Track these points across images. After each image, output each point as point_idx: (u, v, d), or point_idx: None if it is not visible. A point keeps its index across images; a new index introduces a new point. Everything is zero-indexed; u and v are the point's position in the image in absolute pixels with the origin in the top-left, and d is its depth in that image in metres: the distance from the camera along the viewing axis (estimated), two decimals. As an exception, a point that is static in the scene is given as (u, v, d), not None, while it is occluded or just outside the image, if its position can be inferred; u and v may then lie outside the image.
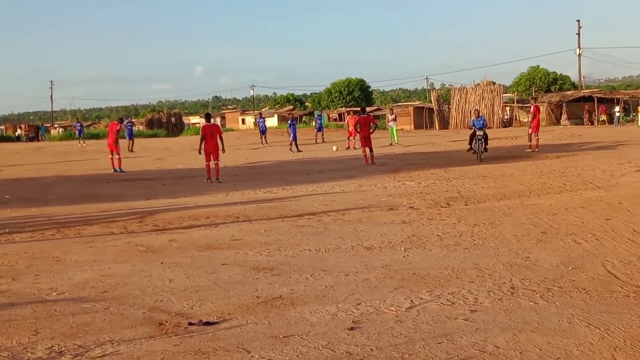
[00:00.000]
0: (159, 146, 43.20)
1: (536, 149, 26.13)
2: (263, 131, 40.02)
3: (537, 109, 27.79)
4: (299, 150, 32.81)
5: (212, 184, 18.95)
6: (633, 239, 8.78)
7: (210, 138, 19.64)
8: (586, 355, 4.78)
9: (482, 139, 23.52)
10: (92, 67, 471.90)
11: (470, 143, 24.18)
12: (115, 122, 27.01)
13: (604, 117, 56.26)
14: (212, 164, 19.59)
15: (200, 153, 19.87)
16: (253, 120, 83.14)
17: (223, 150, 20.01)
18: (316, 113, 53.24)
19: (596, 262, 7.62)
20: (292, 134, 34.00)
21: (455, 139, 38.44)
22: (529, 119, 29.40)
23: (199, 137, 20.44)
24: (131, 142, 38.53)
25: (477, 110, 28.85)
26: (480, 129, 23.60)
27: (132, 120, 48.72)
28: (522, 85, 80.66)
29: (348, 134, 35.43)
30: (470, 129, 24.68)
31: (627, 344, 4.98)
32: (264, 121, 41.71)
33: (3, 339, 5.59)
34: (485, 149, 23.70)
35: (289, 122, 37.60)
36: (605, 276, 6.99)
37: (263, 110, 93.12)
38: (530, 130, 27.13)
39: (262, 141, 39.42)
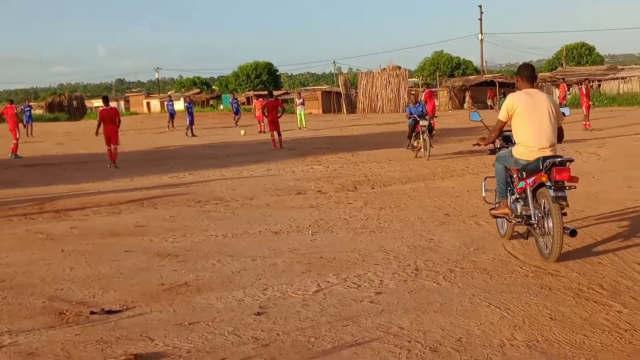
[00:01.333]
0: (60, 130, 41.90)
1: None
2: (172, 115, 39.16)
3: (430, 93, 28.24)
4: (193, 135, 32.35)
5: (112, 168, 18.63)
6: (531, 220, 9.05)
7: (110, 122, 19.24)
8: (487, 335, 4.91)
9: (427, 131, 17.73)
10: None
11: (410, 137, 18.80)
12: (10, 106, 25.85)
13: (490, 102, 58.30)
14: (112, 147, 19.23)
15: (97, 135, 19.62)
16: (158, 103, 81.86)
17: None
18: (229, 97, 52.62)
19: (497, 243, 7.84)
20: (188, 118, 33.48)
21: (364, 123, 38.84)
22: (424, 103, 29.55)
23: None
24: (30, 126, 37.21)
25: (413, 94, 23.42)
26: (422, 117, 18.13)
27: (31, 103, 46.93)
28: (427, 70, 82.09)
29: (257, 118, 35.23)
30: (409, 117, 18.79)
31: (526, 322, 5.13)
32: (173, 104, 40.84)
33: None
34: (431, 144, 17.94)
35: (185, 105, 36.96)
36: (506, 257, 7.20)
37: (169, 93, 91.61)
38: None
39: (169, 125, 38.70)
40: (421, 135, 17.84)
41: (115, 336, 5.11)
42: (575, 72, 59.90)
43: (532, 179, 7.05)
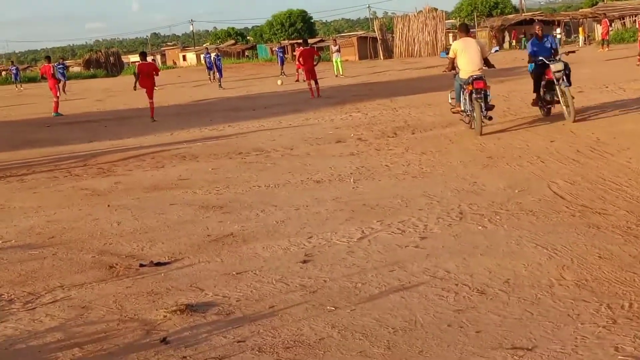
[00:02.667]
0: (98, 87, 42.23)
1: None
2: (210, 67, 38.84)
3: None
4: (220, 87, 32.30)
5: (152, 123, 18.71)
6: (577, 159, 8.93)
7: (146, 77, 19.38)
8: (535, 275, 4.89)
9: (564, 77, 12.16)
10: (23, 8, 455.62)
11: (538, 90, 12.87)
12: (48, 64, 25.52)
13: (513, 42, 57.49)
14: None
15: (135, 89, 19.83)
16: (194, 56, 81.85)
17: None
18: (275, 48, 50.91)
19: (542, 183, 7.74)
20: (218, 70, 33.29)
21: (401, 68, 38.43)
22: None
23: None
24: (63, 83, 37.46)
25: (539, 25, 14.26)
26: (553, 58, 12.59)
27: (65, 61, 47.25)
28: (464, 11, 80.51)
29: (297, 67, 34.86)
30: (532, 61, 12.75)
31: (574, 262, 5.09)
32: (211, 56, 40.40)
33: (-51, 291, 5.46)
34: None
35: (214, 56, 36.35)
36: (551, 197, 7.12)
37: (205, 45, 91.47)
38: None
39: (210, 77, 38.50)
40: (557, 87, 12.27)
41: (166, 287, 5.20)
42: (617, 7, 58.16)
43: (470, 87, 11.53)
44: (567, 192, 7.28)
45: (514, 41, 57.74)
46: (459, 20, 65.34)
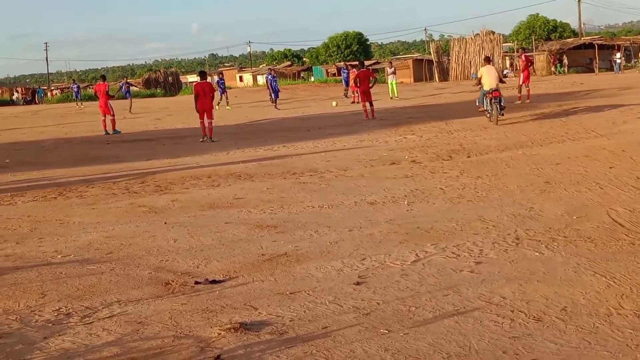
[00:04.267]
0: (157, 106, 42.98)
1: (527, 100, 25.18)
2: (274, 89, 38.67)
3: (527, 59, 27.08)
4: (276, 108, 32.27)
5: (207, 142, 18.82)
6: (637, 186, 8.75)
7: (203, 96, 19.42)
8: (593, 304, 4.79)
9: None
10: (86, 28, 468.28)
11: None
12: (102, 83, 25.49)
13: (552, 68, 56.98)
14: (205, 122, 19.36)
15: (197, 111, 19.66)
16: (251, 77, 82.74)
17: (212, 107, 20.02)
18: (342, 69, 48.81)
19: (601, 210, 7.61)
20: (273, 91, 33.15)
21: (456, 91, 38.23)
22: (520, 69, 28.41)
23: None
24: (130, 102, 38.11)
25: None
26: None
27: (129, 80, 48.27)
28: (522, 34, 79.92)
29: (352, 88, 34.77)
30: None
31: (633, 291, 4.98)
32: (276, 79, 39.56)
33: (10, 303, 5.60)
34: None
35: (268, 77, 35.85)
36: (610, 224, 6.98)
37: (261, 67, 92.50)
38: (521, 81, 25.99)
39: (270, 98, 38.12)
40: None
41: (220, 305, 5.24)
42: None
43: (490, 95, 18.16)
44: (627, 219, 7.13)
45: (552, 66, 57.18)
46: (517, 44, 64.87)
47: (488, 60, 21.17)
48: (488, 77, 18.61)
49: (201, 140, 19.19)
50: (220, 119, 27.46)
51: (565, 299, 4.92)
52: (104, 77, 28.38)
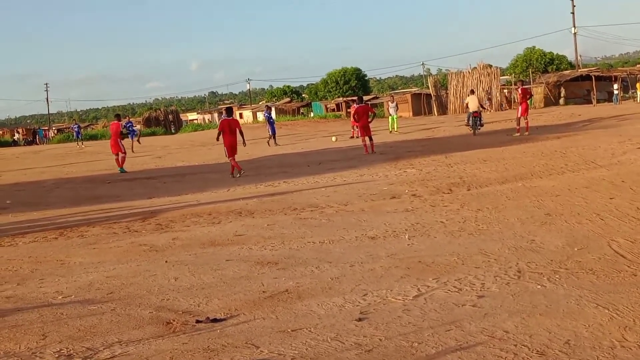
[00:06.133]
0: (158, 144, 43.16)
1: (526, 133, 25.29)
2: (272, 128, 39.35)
3: (525, 91, 27.28)
4: (276, 144, 32.55)
5: (239, 176, 18.87)
6: (638, 217, 8.75)
7: (229, 133, 19.49)
8: (596, 336, 4.77)
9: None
10: (86, 68, 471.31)
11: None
12: (116, 122, 25.57)
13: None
14: (235, 158, 19.51)
15: (217, 140, 20.06)
16: (251, 114, 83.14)
17: (244, 143, 20.23)
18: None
19: (602, 242, 7.60)
20: (270, 128, 33.53)
21: (455, 125, 38.37)
22: (518, 102, 28.96)
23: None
24: (133, 141, 38.22)
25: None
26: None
27: (131, 119, 48.59)
28: (519, 67, 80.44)
29: (352, 123, 34.90)
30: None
31: (636, 323, 4.96)
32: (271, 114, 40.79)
33: (11, 345, 5.57)
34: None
35: (265, 115, 36.64)
36: (612, 256, 6.97)
37: (260, 103, 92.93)
38: (519, 113, 26.38)
39: (270, 140, 38.40)
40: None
41: (222, 344, 5.21)
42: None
43: (472, 116, 29.25)
44: (628, 250, 7.12)
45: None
46: (514, 77, 65.30)
47: (472, 92, 33.40)
48: (472, 103, 29.83)
49: (238, 175, 19.07)
50: (220, 156, 27.57)
51: (568, 332, 4.89)
52: (118, 116, 27.50)
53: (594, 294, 5.74)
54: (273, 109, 39.32)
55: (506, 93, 60.60)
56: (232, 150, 19.49)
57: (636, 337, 4.69)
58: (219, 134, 19.83)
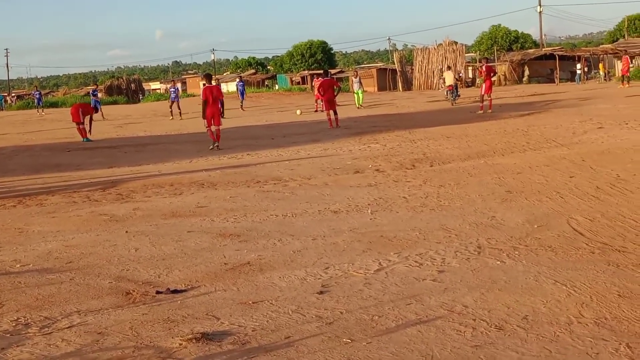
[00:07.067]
0: (119, 113, 42.61)
1: (489, 110, 25.40)
2: (242, 94, 40.85)
3: (489, 69, 27.27)
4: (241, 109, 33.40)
5: (216, 149, 18.06)
6: (597, 195, 8.88)
7: (212, 101, 18.42)
8: (553, 312, 4.84)
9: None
10: (47, 35, 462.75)
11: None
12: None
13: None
14: (213, 128, 18.53)
15: (204, 118, 18.64)
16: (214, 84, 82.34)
17: (223, 114, 19.20)
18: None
19: (561, 219, 7.70)
20: (241, 95, 34.28)
21: (420, 101, 38.53)
22: (482, 79, 28.78)
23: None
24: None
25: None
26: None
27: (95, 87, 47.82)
28: (484, 44, 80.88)
29: (316, 97, 34.90)
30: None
31: (593, 299, 5.04)
32: (244, 84, 42.27)
33: (-34, 314, 5.48)
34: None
35: (238, 83, 40.38)
36: (571, 233, 7.07)
37: (225, 74, 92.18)
38: (483, 91, 26.24)
39: (242, 106, 39.24)
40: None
41: (182, 315, 5.19)
42: (638, 44, 58.17)
43: (447, 89, 35.56)
44: (587, 228, 7.22)
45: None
46: (479, 54, 65.65)
47: (449, 67, 41.76)
48: (448, 77, 35.50)
49: (211, 147, 18.30)
50: (181, 126, 27.33)
51: (527, 307, 4.96)
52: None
53: (552, 270, 5.82)
54: (228, 82, 40.74)
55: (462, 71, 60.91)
56: (211, 119, 18.45)
57: (593, 313, 4.77)
58: (205, 104, 18.48)
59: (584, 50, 67.69)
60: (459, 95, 35.39)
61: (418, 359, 4.19)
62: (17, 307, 5.62)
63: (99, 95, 43.06)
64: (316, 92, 33.34)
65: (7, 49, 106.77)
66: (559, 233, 7.10)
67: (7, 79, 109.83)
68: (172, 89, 36.46)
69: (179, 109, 34.65)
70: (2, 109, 63.89)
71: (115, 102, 65.61)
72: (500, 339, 4.41)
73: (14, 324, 5.18)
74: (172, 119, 34.15)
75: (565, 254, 6.33)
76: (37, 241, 8.11)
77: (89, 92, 38.16)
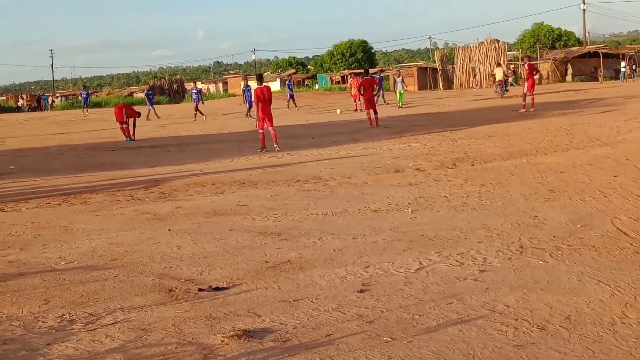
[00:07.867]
0: (161, 113, 43.01)
1: (531, 109, 25.00)
2: (292, 96, 40.53)
3: (532, 67, 26.87)
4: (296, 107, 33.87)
5: (267, 152, 17.35)
6: (641, 195, 8.73)
7: (265, 102, 17.65)
8: (597, 312, 4.78)
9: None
10: (91, 35, 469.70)
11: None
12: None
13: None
14: (266, 130, 17.82)
15: (258, 119, 17.92)
16: (255, 85, 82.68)
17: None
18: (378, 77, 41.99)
19: (605, 219, 7.59)
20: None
21: (461, 99, 38.28)
22: (524, 78, 28.29)
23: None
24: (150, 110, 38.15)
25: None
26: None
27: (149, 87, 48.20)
28: (527, 42, 79.80)
29: (353, 97, 34.87)
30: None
31: (637, 300, 4.97)
32: (292, 85, 42.94)
33: (14, 309, 5.61)
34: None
35: (288, 84, 39.44)
36: (615, 233, 6.97)
37: (265, 74, 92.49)
38: (525, 89, 25.90)
39: (288, 105, 39.28)
40: None
41: (223, 312, 5.24)
42: (685, 40, 56.92)
43: (498, 84, 38.39)
44: (631, 228, 7.11)
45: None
46: (521, 53, 64.85)
47: (499, 64, 43.24)
48: (498, 73, 38.29)
49: (259, 150, 17.57)
50: (225, 126, 27.53)
51: (569, 307, 4.91)
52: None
53: (595, 270, 5.75)
54: (269, 81, 40.81)
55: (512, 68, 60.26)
56: (263, 120, 17.72)
57: (637, 314, 4.70)
58: (257, 105, 17.77)
59: (628, 48, 66.51)
60: (507, 90, 37.67)
61: (459, 359, 4.17)
62: (62, 303, 5.73)
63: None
64: (354, 91, 33.29)
65: (51, 50, 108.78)
66: (602, 233, 7.00)
67: (52, 79, 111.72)
68: (194, 90, 36.48)
69: (199, 110, 34.47)
70: (48, 109, 64.98)
71: (157, 103, 66.18)
72: (542, 339, 4.37)
73: (59, 320, 5.29)
74: (195, 120, 34.14)
75: (608, 253, 6.25)
76: (81, 239, 8.25)
77: (143, 90, 38.51)
